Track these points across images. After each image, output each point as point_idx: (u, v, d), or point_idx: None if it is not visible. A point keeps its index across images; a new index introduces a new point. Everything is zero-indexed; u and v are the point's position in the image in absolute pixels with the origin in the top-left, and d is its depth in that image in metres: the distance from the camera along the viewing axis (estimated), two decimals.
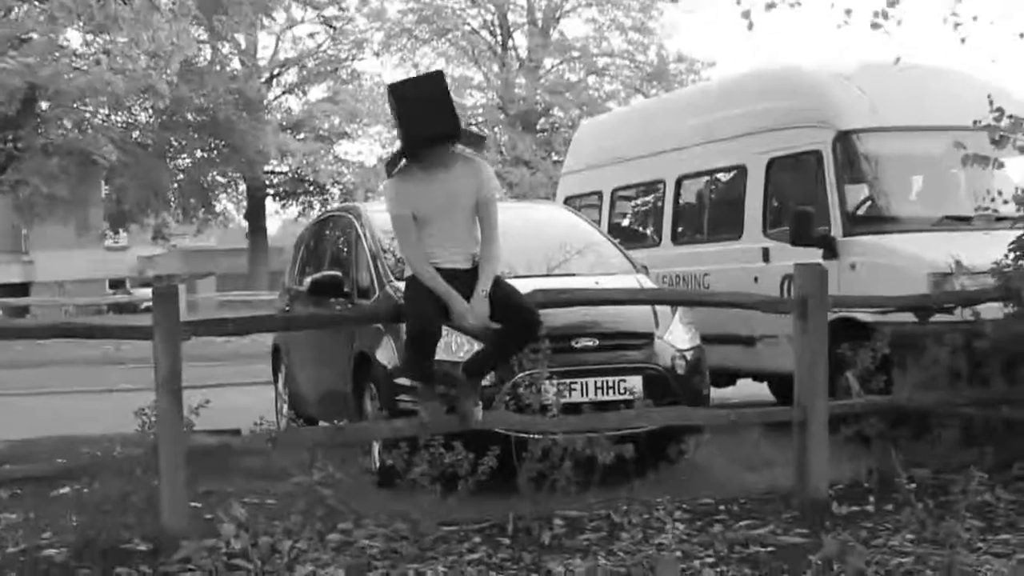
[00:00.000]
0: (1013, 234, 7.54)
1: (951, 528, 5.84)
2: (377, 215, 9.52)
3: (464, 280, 6.29)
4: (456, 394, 6.46)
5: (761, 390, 11.59)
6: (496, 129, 46.30)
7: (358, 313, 8.34)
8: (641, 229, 12.73)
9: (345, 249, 9.59)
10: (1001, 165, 7.66)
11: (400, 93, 6.18)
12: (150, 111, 38.86)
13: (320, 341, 9.33)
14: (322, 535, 6.11)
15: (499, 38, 47.54)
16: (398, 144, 6.40)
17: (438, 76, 6.44)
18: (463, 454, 6.39)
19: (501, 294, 6.29)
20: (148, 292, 7.14)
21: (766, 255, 10.17)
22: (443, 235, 6.34)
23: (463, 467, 6.38)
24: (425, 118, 6.11)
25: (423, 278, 6.27)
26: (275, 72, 45.95)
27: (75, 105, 33.49)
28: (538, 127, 46.32)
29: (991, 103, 7.56)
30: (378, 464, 7.72)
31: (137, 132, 39.77)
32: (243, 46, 43.83)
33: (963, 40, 8.30)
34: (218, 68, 41.76)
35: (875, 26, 8.06)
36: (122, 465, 6.36)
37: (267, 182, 46.26)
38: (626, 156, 12.61)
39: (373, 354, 8.03)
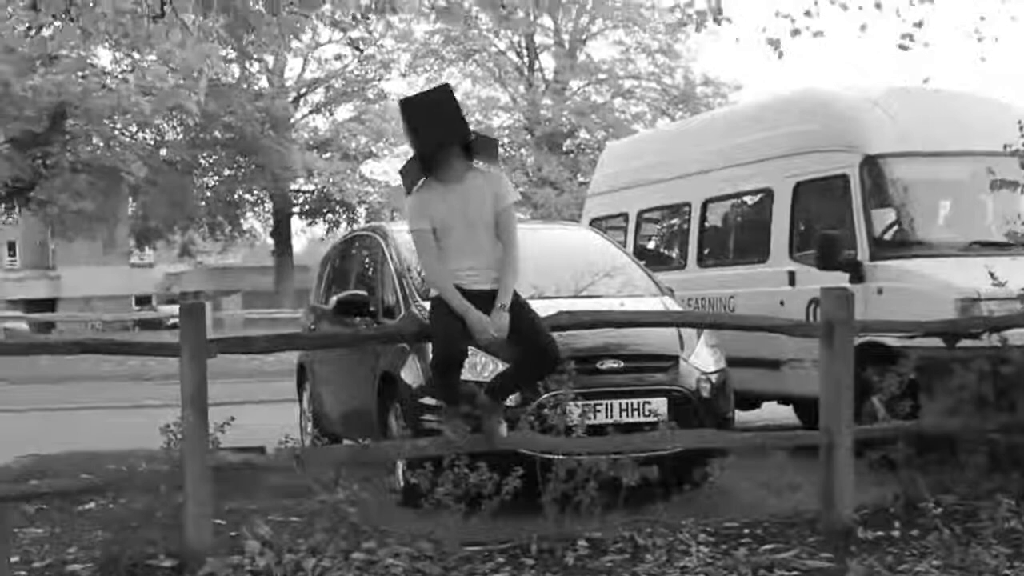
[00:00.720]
0: None
1: (978, 555, 5.82)
2: (403, 235, 9.52)
3: (487, 301, 6.25)
4: (481, 412, 6.42)
5: (784, 413, 11.55)
6: (522, 150, 46.40)
7: (383, 332, 8.36)
8: (667, 251, 12.73)
9: (371, 269, 9.62)
10: None
11: (410, 105, 6.28)
12: (178, 129, 39.09)
13: (345, 360, 9.35)
14: (346, 553, 6.12)
15: (526, 59, 47.66)
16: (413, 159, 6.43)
17: (445, 87, 6.55)
18: (487, 474, 6.39)
19: (523, 313, 6.28)
20: (174, 309, 7.17)
21: (792, 279, 10.15)
22: (464, 249, 6.30)
23: (487, 487, 6.38)
24: (434, 126, 6.17)
25: (442, 292, 6.29)
26: (302, 92, 46.15)
27: (104, 122, 33.70)
28: (564, 148, 46.35)
29: (1021, 128, 7.54)
30: (402, 483, 7.71)
31: (165, 150, 39.99)
32: (271, 66, 44.03)
33: (983, 59, 8.28)
34: (246, 87, 41.96)
35: (903, 47, 8.05)
36: (147, 481, 6.39)
37: (293, 200, 46.43)
38: (652, 178, 12.61)
39: (398, 373, 8.04)
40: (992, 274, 7.94)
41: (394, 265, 8.93)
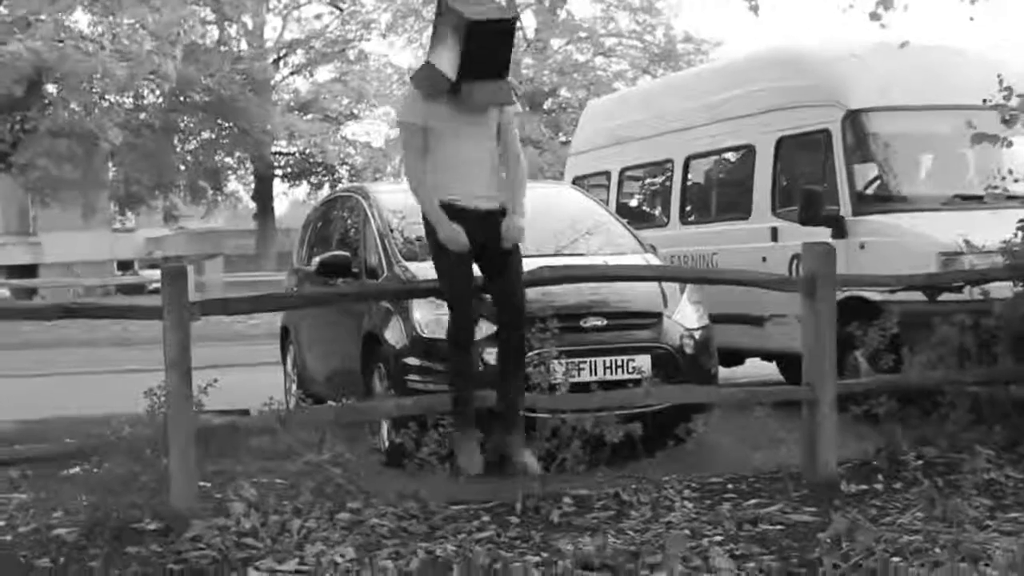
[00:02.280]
0: (1022, 213, 7.52)
1: (959, 507, 5.85)
2: (385, 195, 9.54)
3: (488, 223, 6.15)
4: (505, 442, 6.34)
5: (769, 370, 11.59)
6: None
7: (366, 290, 8.32)
8: (649, 209, 12.73)
9: (353, 230, 9.59)
10: (1010, 144, 7.64)
11: (481, 28, 5.82)
12: (157, 93, 38.85)
13: (329, 321, 9.34)
14: (332, 514, 6.12)
15: None
16: (440, 61, 6.01)
17: (516, 18, 6.24)
18: None
19: (513, 260, 6.27)
20: (156, 273, 7.15)
21: (775, 234, 10.16)
22: (461, 161, 6.12)
23: None
24: (493, 61, 5.94)
25: (416, 196, 6.19)
26: (282, 53, 45.85)
27: (82, 86, 33.45)
28: (546, 107, 46.19)
29: (1001, 82, 7.54)
30: (387, 443, 7.72)
31: (144, 114, 39.76)
32: (250, 27, 43.73)
33: (972, 19, 8.26)
34: (224, 49, 41.69)
35: (875, 16, 8.02)
36: (132, 445, 6.36)
37: (275, 163, 46.21)
38: (634, 136, 12.59)
39: (382, 334, 8.03)
40: (967, 241, 7.97)
41: (376, 226, 8.91)
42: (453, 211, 6.08)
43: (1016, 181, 7.61)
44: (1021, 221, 7.43)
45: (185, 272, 6.36)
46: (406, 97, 6.25)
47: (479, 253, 6.19)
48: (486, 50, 5.85)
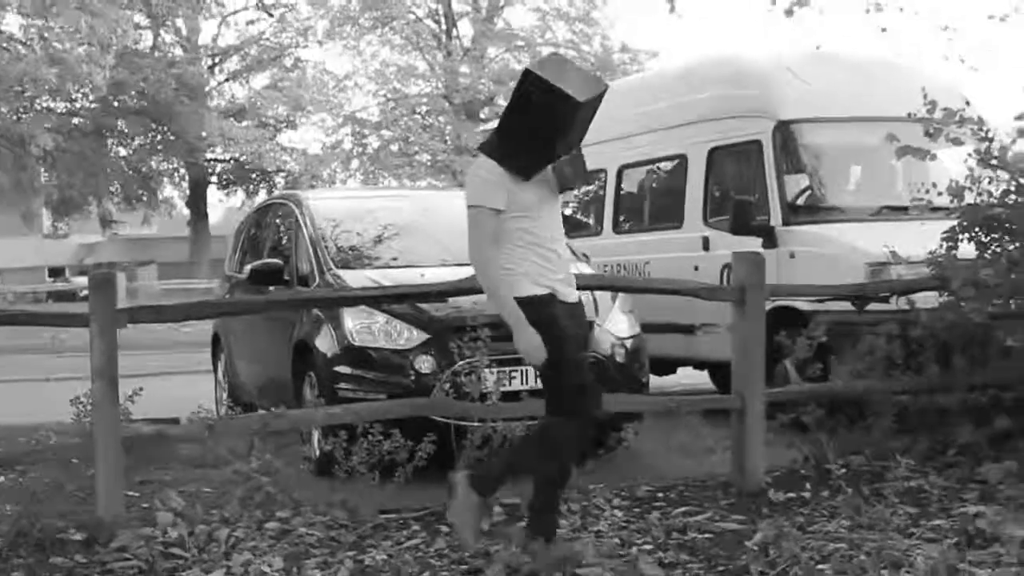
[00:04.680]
0: (947, 224, 7.63)
1: (882, 514, 5.92)
2: (318, 202, 9.51)
3: (580, 312, 5.55)
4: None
5: (700, 379, 11.66)
6: (440, 118, 46.18)
7: (297, 298, 8.27)
8: (583, 218, 12.75)
9: (285, 237, 9.55)
10: (933, 157, 7.74)
11: (589, 103, 5.21)
12: (90, 97, 38.45)
13: (260, 329, 9.28)
14: (260, 523, 6.10)
15: (443, 27, 47.40)
16: (512, 138, 5.27)
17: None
18: (401, 442, 6.42)
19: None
20: (87, 280, 7.10)
21: (706, 244, 10.23)
22: (547, 238, 5.34)
23: (401, 454, 6.41)
24: (582, 131, 5.36)
25: (489, 290, 5.34)
26: (217, 59, 45.57)
27: (12, 90, 33.05)
28: (483, 116, 46.23)
29: (925, 96, 7.64)
30: (318, 452, 7.70)
31: (77, 119, 39.33)
32: (184, 32, 43.43)
33: (884, 29, 8.37)
34: (159, 54, 41.36)
35: (788, 13, 8.12)
36: (58, 454, 6.31)
37: (210, 169, 45.88)
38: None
39: (312, 342, 7.99)
40: (894, 252, 8.09)
41: (308, 233, 8.87)
42: (549, 304, 5.29)
43: (940, 194, 7.70)
44: (946, 233, 7.53)
45: (112, 279, 6.30)
46: (482, 174, 5.26)
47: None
48: (579, 126, 5.29)
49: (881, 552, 5.28)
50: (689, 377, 11.75)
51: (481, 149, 5.40)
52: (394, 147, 45.84)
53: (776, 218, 9.50)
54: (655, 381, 9.64)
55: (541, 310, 5.24)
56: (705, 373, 11.54)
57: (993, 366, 7.46)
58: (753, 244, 9.09)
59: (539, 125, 5.15)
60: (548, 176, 5.29)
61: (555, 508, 5.60)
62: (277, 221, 9.99)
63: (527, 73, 5.14)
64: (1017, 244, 7.25)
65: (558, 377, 5.33)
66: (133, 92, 38.95)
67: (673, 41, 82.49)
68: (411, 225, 9.27)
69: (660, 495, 6.91)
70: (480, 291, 6.87)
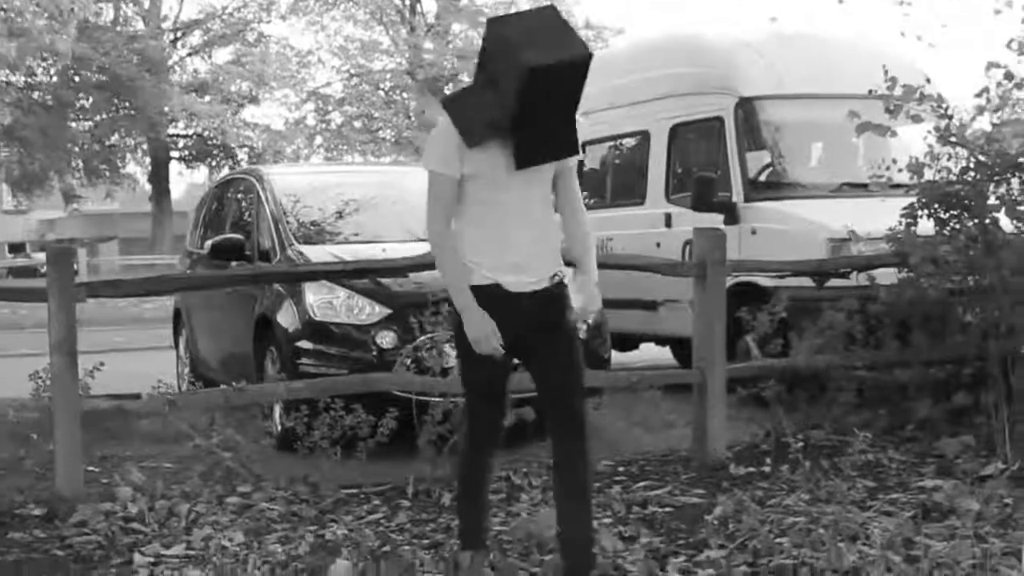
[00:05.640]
0: (907, 201, 7.67)
1: (837, 487, 5.98)
2: (279, 178, 9.48)
3: (536, 303, 4.60)
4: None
5: (663, 354, 11.70)
6: (404, 94, 46.06)
7: (259, 273, 8.23)
8: None
9: (247, 212, 9.50)
10: (894, 134, 7.78)
11: (575, 67, 4.34)
12: (51, 71, 38.16)
13: (221, 304, 9.24)
14: (221, 498, 6.10)
15: (407, 2, 47.24)
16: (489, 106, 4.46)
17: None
18: (363, 417, 6.42)
19: (569, 348, 4.76)
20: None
21: (668, 220, 10.25)
22: (509, 226, 4.54)
23: (363, 430, 6.41)
24: (548, 108, 4.40)
25: (440, 268, 4.61)
26: (179, 33, 45.27)
27: None
28: (447, 92, 46.15)
29: (886, 73, 7.67)
30: (279, 427, 7.68)
31: (38, 93, 39.01)
32: (147, 6, 43.12)
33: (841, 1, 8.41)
34: (120, 28, 41.05)
35: None
36: (16, 429, 6.28)
37: (172, 145, 45.62)
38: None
39: (274, 317, 7.97)
40: (852, 232, 8.14)
41: (270, 208, 8.83)
42: (492, 296, 4.52)
43: (900, 171, 7.75)
44: (905, 209, 7.58)
45: (71, 253, 6.27)
46: (438, 137, 4.55)
47: (514, 341, 4.57)
48: (551, 97, 4.38)
49: (838, 525, 5.33)
50: (652, 353, 11.78)
51: (443, 104, 4.65)
52: (357, 123, 45.73)
53: (738, 194, 9.53)
54: (617, 357, 9.67)
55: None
56: (667, 349, 11.58)
57: (951, 342, 7.53)
58: (715, 220, 9.11)
59: (489, 87, 4.43)
60: (508, 148, 4.49)
61: (477, 516, 4.88)
62: (239, 196, 9.94)
63: (489, 22, 4.49)
64: (975, 221, 7.30)
65: (464, 375, 4.76)
66: (94, 66, 38.66)
67: (639, 18, 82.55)
68: (373, 201, 9.27)
69: (621, 469, 6.95)
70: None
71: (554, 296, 4.66)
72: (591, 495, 4.77)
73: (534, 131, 4.46)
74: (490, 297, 4.50)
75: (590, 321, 5.90)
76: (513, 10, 45.59)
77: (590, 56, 4.35)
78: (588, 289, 4.76)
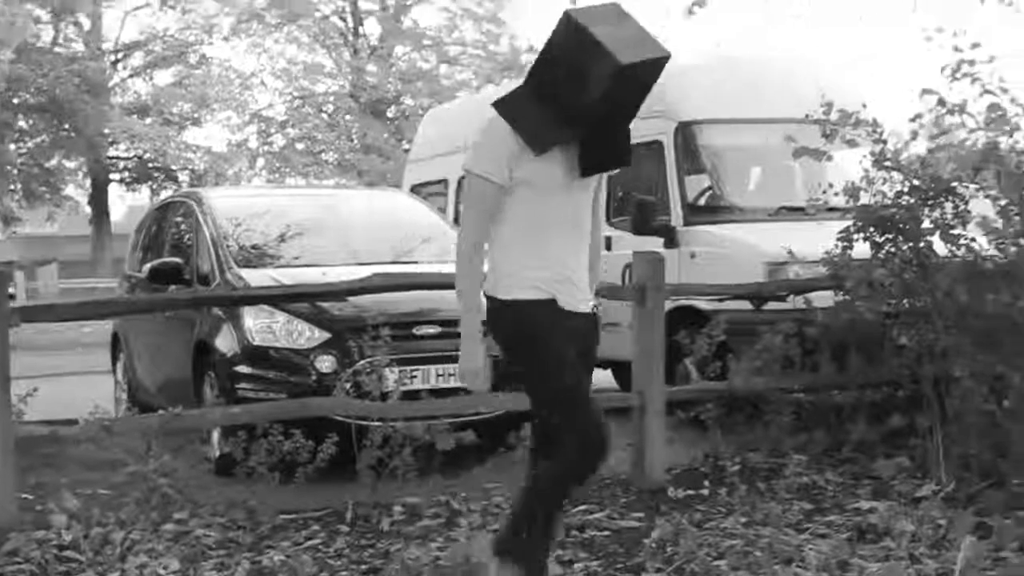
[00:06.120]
0: (843, 224, 7.74)
1: (774, 510, 6.02)
2: (219, 201, 9.44)
3: (587, 327, 4.39)
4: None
5: (607, 378, 11.72)
6: (347, 117, 45.99)
7: (197, 297, 8.17)
8: None
9: (186, 235, 9.45)
10: (829, 158, 7.86)
11: (646, 66, 4.08)
12: None
13: (160, 329, 9.17)
14: (157, 525, 6.04)
15: (350, 25, 47.21)
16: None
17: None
18: (302, 442, 6.39)
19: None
20: None
21: (609, 244, 10.27)
22: (550, 237, 4.24)
23: (302, 455, 6.37)
24: (624, 110, 4.23)
25: (459, 282, 4.25)
26: (120, 55, 44.97)
27: None
28: (389, 115, 46.12)
29: (822, 97, 7.75)
30: (218, 453, 7.63)
31: None
32: (86, 27, 42.81)
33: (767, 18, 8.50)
34: (60, 49, 40.74)
35: (690, 12, 8.21)
36: None
37: (113, 167, 45.26)
38: (471, 145, 12.59)
39: (213, 341, 7.92)
40: (791, 251, 8.21)
41: (209, 231, 8.79)
42: (552, 311, 4.24)
43: (836, 195, 7.82)
44: (841, 233, 7.65)
45: (6, 277, 6.20)
46: (489, 140, 4.24)
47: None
48: (629, 98, 4.17)
49: (774, 547, 5.36)
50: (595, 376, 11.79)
51: (495, 106, 4.27)
52: (300, 145, 45.58)
53: (677, 218, 9.59)
54: None
55: (527, 318, 4.22)
56: (609, 372, 11.60)
57: (887, 365, 7.59)
58: (655, 244, 9.16)
59: (565, 87, 4.06)
60: (573, 154, 4.21)
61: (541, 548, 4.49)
62: (178, 219, 9.88)
63: (567, 17, 4.06)
64: (910, 244, 7.38)
65: (544, 410, 4.37)
66: (33, 88, 38.32)
67: None
68: (314, 224, 9.25)
69: None
70: (382, 289, 6.91)
71: (596, 323, 4.48)
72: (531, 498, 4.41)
73: (603, 136, 4.21)
74: (549, 312, 4.21)
75: None
76: (456, 34, 45.83)
77: (669, 56, 4.10)
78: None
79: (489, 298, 4.32)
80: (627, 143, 4.32)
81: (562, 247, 4.25)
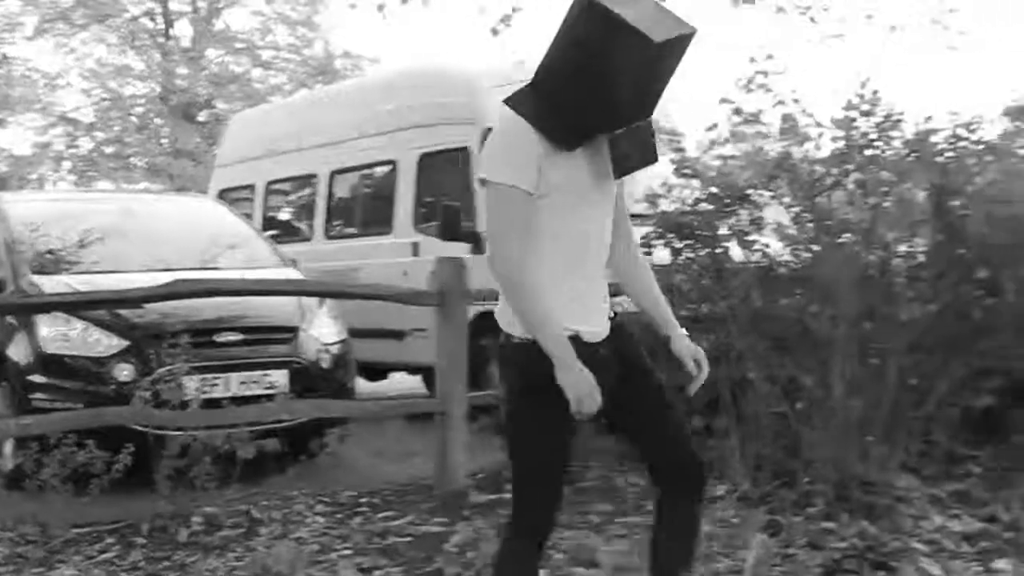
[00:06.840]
0: (644, 231, 7.87)
1: (573, 512, 6.10)
2: (15, 205, 9.15)
3: (613, 347, 3.59)
4: None
5: (415, 384, 11.74)
6: (157, 120, 45.05)
7: None
8: (295, 223, 12.67)
9: None
10: None
11: (668, 46, 3.35)
12: None
13: None
14: None
15: (161, 26, 46.26)
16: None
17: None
18: (97, 453, 6.22)
19: (653, 383, 3.78)
20: None
21: (416, 249, 10.30)
22: (586, 250, 3.52)
23: (97, 466, 6.21)
24: (655, 94, 3.49)
25: (526, 311, 3.40)
26: None
27: None
28: (201, 119, 45.33)
29: None
30: (10, 465, 7.39)
31: None
32: None
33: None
34: None
35: (495, 32, 8.28)
36: None
37: None
38: (281, 149, 12.50)
39: (5, 351, 7.68)
40: None
41: (3, 237, 8.51)
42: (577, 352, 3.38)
43: (637, 201, 7.95)
44: (641, 239, 7.78)
45: None
46: (506, 142, 3.43)
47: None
48: (661, 81, 3.50)
49: (576, 550, 5.43)
50: (410, 381, 11.81)
51: (507, 103, 3.50)
52: (109, 149, 44.47)
53: (483, 224, 9.64)
54: (370, 386, 9.65)
55: (535, 364, 3.37)
56: (419, 377, 11.62)
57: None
58: (462, 250, 9.19)
59: (593, 77, 3.39)
60: (603, 152, 3.52)
61: None
62: None
63: (588, 3, 3.37)
64: (707, 250, 7.54)
65: (518, 471, 3.59)
66: None
67: (396, 48, 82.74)
68: (115, 229, 9.02)
69: (363, 500, 6.93)
70: (185, 296, 6.76)
71: (622, 331, 3.69)
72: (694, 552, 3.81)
73: (633, 130, 3.53)
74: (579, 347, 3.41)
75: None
76: (269, 37, 45.30)
77: (696, 31, 3.44)
78: (681, 339, 3.90)
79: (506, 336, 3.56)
80: (654, 138, 3.61)
81: (589, 268, 3.54)
